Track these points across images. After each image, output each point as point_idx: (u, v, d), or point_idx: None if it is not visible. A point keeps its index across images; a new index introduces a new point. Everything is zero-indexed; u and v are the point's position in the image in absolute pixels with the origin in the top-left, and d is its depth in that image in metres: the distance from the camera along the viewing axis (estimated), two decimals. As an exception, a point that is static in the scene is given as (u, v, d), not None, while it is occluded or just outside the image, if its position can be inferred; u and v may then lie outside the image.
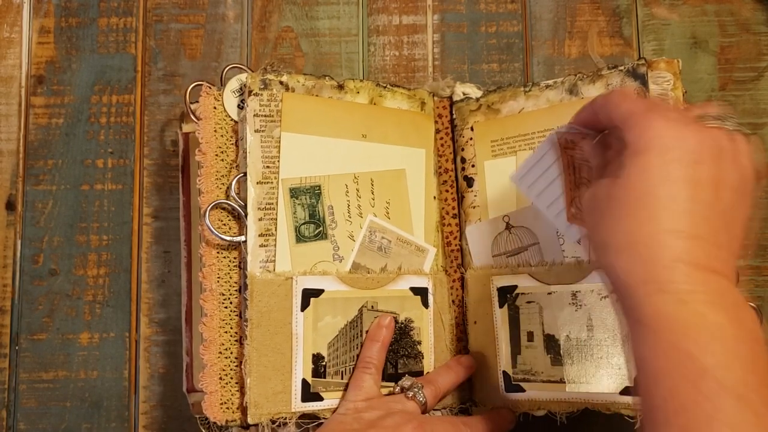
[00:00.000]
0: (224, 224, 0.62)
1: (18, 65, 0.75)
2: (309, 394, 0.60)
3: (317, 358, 0.60)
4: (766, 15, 0.74)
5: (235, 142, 0.63)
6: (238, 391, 0.60)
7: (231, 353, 0.60)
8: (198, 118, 0.63)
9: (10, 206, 0.73)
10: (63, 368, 0.71)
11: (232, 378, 0.60)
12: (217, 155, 0.62)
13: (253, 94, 0.61)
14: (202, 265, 0.61)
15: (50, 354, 0.71)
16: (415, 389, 0.59)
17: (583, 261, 0.61)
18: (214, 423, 0.60)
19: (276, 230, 0.61)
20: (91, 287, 0.72)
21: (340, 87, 0.64)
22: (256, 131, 0.61)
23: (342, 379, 0.61)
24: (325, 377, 0.60)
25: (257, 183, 0.61)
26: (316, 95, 0.63)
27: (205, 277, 0.61)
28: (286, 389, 0.59)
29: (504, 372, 0.63)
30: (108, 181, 0.73)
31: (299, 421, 0.60)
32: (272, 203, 0.61)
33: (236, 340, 0.61)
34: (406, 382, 0.60)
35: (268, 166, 0.61)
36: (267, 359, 0.59)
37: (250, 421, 0.58)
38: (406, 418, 0.55)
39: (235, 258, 0.62)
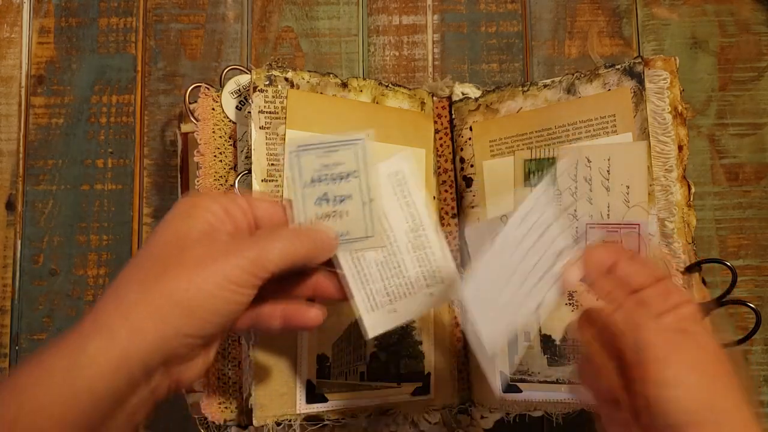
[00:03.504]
0: (222, 225, 0.62)
1: (18, 65, 0.75)
2: (314, 395, 0.60)
3: (322, 359, 0.60)
4: (766, 15, 0.74)
5: (234, 143, 0.63)
6: (236, 391, 0.60)
7: (229, 353, 0.61)
8: (197, 119, 0.63)
9: (10, 206, 0.73)
10: (63, 368, 0.71)
11: (230, 378, 0.60)
12: (215, 156, 0.62)
13: (258, 90, 0.60)
14: (201, 266, 0.61)
15: (50, 353, 0.71)
16: None
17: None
18: (213, 423, 0.61)
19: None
20: (91, 287, 0.72)
21: (344, 85, 0.64)
22: (261, 128, 0.60)
23: (346, 380, 0.61)
24: (329, 378, 0.60)
25: (262, 180, 0.60)
26: (321, 93, 0.63)
27: (203, 278, 0.61)
28: (291, 391, 0.59)
29: (501, 372, 0.63)
30: (108, 181, 0.74)
31: (303, 423, 0.60)
32: (277, 201, 0.60)
33: (234, 340, 0.61)
34: None
35: (273, 164, 0.60)
36: (272, 360, 0.59)
37: (255, 423, 0.58)
38: None
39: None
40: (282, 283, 0.48)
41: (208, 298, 0.41)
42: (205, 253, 0.42)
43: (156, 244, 0.43)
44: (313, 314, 0.48)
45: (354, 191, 0.44)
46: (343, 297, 0.50)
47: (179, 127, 0.69)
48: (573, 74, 0.63)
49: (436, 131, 0.68)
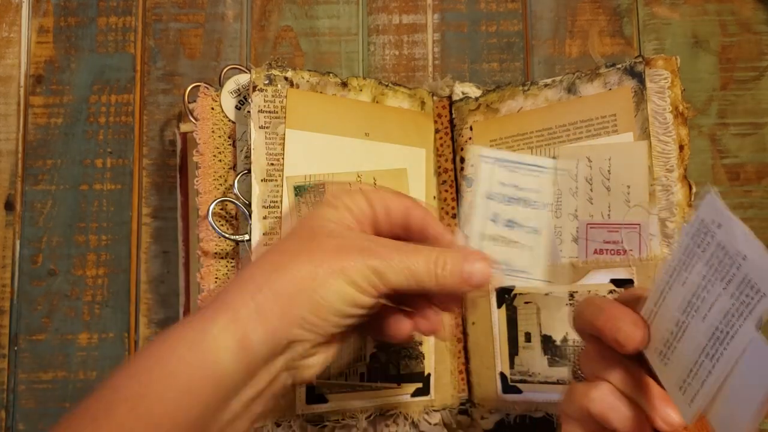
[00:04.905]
0: (221, 225, 0.62)
1: (17, 65, 0.75)
2: (314, 395, 0.59)
3: (320, 360, 0.60)
4: (767, 14, 0.74)
5: (233, 143, 0.63)
6: (235, 391, 0.60)
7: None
8: (196, 119, 0.63)
9: (9, 206, 0.73)
10: (62, 369, 0.71)
11: (229, 379, 0.60)
12: (214, 156, 0.62)
13: (258, 90, 0.60)
14: (200, 266, 0.61)
15: (49, 354, 0.71)
16: None
17: (578, 262, 0.61)
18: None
19: (281, 229, 0.60)
20: (90, 287, 0.72)
21: (344, 84, 0.64)
22: (261, 127, 0.60)
23: (346, 380, 0.61)
24: (329, 378, 0.60)
25: (261, 180, 0.60)
26: (321, 92, 0.63)
27: (202, 278, 0.61)
28: (290, 392, 0.59)
29: (501, 373, 0.62)
30: (107, 181, 0.73)
31: (303, 423, 0.59)
32: (277, 201, 0.60)
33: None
34: None
35: (272, 164, 0.60)
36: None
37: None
38: None
39: (232, 259, 0.61)
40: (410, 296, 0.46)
41: (329, 292, 0.40)
42: (333, 249, 0.41)
43: (290, 236, 0.44)
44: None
45: (529, 221, 0.40)
46: (432, 332, 0.47)
47: (178, 127, 0.69)
48: (574, 74, 0.63)
49: (437, 131, 0.68)
